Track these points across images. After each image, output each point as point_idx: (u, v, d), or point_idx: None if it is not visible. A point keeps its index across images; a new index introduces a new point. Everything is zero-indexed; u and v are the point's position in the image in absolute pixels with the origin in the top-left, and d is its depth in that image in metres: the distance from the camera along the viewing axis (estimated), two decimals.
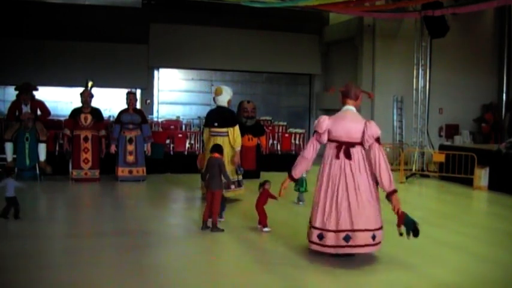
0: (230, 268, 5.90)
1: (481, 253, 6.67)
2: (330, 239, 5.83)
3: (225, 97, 9.67)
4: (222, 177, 7.41)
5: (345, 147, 5.93)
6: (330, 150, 6.04)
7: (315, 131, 6.13)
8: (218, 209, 7.32)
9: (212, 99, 10.06)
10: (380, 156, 5.87)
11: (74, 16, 15.67)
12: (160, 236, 7.24)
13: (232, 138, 9.38)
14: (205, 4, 15.49)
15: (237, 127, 9.54)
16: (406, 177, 13.06)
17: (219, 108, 9.73)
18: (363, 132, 5.89)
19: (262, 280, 5.48)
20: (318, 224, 5.93)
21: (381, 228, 5.99)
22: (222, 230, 7.22)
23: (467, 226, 8.30)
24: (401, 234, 6.00)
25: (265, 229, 7.31)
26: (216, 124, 9.45)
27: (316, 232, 5.94)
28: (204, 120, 10.26)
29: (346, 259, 5.96)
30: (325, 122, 6.05)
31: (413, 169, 13.72)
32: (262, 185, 7.49)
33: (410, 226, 5.93)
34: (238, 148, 9.41)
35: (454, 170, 12.41)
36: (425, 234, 7.57)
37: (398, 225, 5.98)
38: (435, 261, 6.23)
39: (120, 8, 16.14)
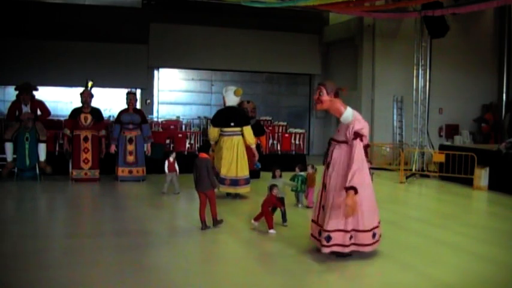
0: (230, 268, 5.89)
1: (481, 253, 6.67)
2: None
3: (239, 98, 10.18)
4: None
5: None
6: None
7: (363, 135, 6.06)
8: (216, 208, 7.39)
9: (223, 98, 10.33)
10: (355, 151, 5.86)
11: (74, 16, 15.67)
12: (160, 236, 7.25)
13: (248, 137, 9.83)
14: (205, 4, 15.49)
15: (249, 126, 10.00)
16: (406, 177, 13.05)
17: (231, 108, 10.05)
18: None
19: (262, 280, 5.48)
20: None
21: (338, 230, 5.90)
22: (221, 221, 7.45)
23: (467, 226, 8.30)
24: None
25: (270, 231, 7.22)
26: (232, 124, 9.77)
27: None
28: (210, 120, 10.51)
29: (345, 258, 5.98)
30: None
31: (413, 169, 13.70)
32: (270, 189, 7.37)
33: None
34: (254, 145, 10.00)
35: (454, 170, 12.41)
36: (425, 234, 7.61)
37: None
38: (435, 261, 6.23)
39: (120, 8, 16.13)
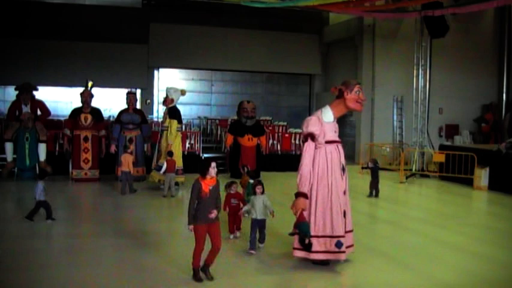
0: (229, 268, 5.89)
1: (481, 253, 6.67)
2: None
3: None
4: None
5: None
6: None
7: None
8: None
9: (167, 101, 11.14)
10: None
11: (74, 16, 15.70)
12: (159, 236, 7.24)
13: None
14: (205, 4, 15.52)
15: None
16: (406, 177, 13.05)
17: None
18: None
19: (260, 280, 5.49)
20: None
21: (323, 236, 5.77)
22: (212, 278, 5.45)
23: (467, 226, 8.30)
24: (291, 234, 5.88)
25: (231, 236, 7.03)
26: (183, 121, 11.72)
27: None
28: (177, 118, 11.15)
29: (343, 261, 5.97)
30: None
31: (413, 169, 13.70)
32: (227, 187, 6.91)
33: (303, 233, 5.72)
34: None
35: (454, 170, 12.41)
36: (425, 234, 7.61)
37: (295, 226, 5.83)
38: (435, 261, 6.23)
39: (120, 8, 16.17)
